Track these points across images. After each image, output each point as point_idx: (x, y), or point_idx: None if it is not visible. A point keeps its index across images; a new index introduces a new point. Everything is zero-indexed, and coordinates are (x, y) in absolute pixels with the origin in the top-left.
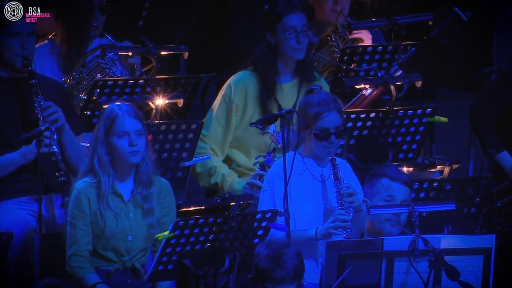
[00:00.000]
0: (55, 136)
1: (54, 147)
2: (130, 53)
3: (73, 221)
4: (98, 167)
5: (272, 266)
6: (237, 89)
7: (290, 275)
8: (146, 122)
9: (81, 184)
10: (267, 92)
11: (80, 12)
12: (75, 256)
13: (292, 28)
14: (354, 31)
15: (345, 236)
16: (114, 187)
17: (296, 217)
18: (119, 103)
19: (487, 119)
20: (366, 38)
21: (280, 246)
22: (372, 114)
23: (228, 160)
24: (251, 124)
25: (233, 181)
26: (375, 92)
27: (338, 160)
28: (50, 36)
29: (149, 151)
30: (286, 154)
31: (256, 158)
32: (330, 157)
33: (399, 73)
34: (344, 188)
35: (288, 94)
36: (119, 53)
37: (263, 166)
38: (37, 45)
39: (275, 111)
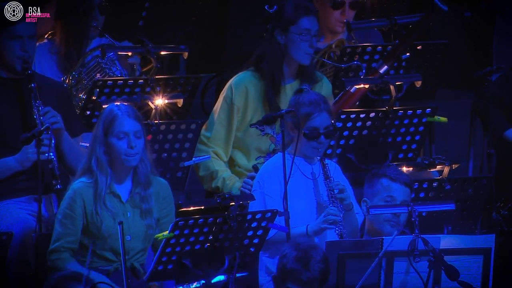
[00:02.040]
0: (53, 143)
1: (51, 154)
2: (129, 53)
3: (62, 220)
4: (96, 167)
5: (300, 268)
6: (237, 90)
7: (316, 278)
8: (146, 122)
9: (77, 184)
10: (274, 90)
11: (79, 12)
12: (56, 252)
13: (307, 30)
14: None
15: (337, 233)
16: (112, 187)
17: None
18: (118, 103)
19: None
20: None
21: (308, 248)
22: (372, 114)
23: (230, 160)
24: (251, 125)
25: (233, 185)
26: (360, 88)
27: (327, 161)
28: (48, 36)
29: (147, 151)
30: (274, 156)
31: (256, 159)
32: (319, 158)
33: (384, 68)
34: (335, 186)
35: (288, 96)
36: (119, 53)
37: (256, 169)
38: (37, 44)
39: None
